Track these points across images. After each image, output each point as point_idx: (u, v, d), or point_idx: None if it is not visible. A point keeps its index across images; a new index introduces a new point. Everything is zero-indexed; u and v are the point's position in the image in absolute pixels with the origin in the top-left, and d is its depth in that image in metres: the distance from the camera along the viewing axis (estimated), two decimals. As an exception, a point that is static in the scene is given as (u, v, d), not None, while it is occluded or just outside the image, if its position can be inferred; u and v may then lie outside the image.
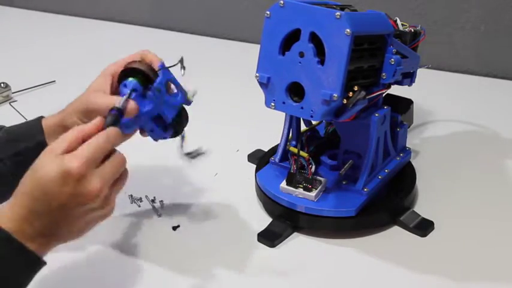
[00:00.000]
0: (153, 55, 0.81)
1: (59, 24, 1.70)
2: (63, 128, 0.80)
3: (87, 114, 0.79)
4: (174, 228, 0.89)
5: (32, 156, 0.77)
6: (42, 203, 0.65)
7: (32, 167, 0.67)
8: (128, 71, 0.80)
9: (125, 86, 0.77)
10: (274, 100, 0.79)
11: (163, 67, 0.80)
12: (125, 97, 0.75)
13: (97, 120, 0.70)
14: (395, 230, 0.87)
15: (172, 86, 0.80)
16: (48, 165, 0.65)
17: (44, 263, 0.66)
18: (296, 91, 0.77)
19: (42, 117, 0.84)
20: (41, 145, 0.80)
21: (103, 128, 0.70)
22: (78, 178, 0.64)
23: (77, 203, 0.65)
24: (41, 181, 0.65)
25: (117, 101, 0.74)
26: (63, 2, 1.76)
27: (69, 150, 0.66)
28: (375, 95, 0.83)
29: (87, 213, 0.67)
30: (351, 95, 0.76)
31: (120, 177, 0.70)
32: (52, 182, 0.64)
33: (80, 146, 0.66)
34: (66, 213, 0.66)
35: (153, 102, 0.77)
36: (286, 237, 0.86)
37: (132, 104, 0.74)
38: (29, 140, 0.81)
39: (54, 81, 1.34)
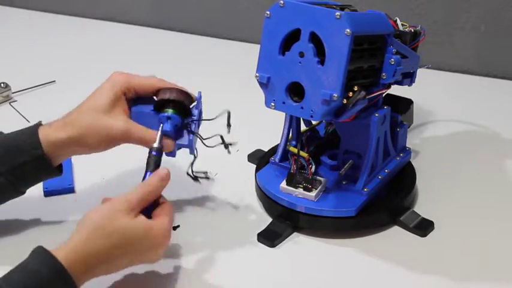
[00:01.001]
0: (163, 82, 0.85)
1: (59, 24, 1.69)
2: (77, 144, 0.81)
3: (108, 139, 0.82)
4: (174, 228, 0.89)
5: (31, 168, 0.79)
6: (118, 256, 0.72)
7: (110, 218, 0.72)
8: (163, 102, 0.81)
9: (167, 119, 0.81)
10: (274, 100, 0.79)
11: (200, 98, 0.86)
12: (160, 133, 0.81)
13: (154, 180, 0.78)
14: (395, 230, 0.87)
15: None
16: (134, 226, 0.72)
17: None
18: (296, 91, 0.77)
19: (39, 124, 0.83)
20: (40, 159, 0.80)
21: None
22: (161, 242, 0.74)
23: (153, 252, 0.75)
24: (126, 237, 0.72)
25: (156, 140, 0.80)
26: (63, 2, 1.76)
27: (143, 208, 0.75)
28: (374, 95, 0.83)
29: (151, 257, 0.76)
30: (351, 95, 0.76)
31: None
32: (138, 239, 0.72)
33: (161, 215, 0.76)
34: (126, 262, 0.74)
35: (189, 135, 0.84)
36: (286, 237, 0.86)
37: (168, 143, 0.82)
38: (27, 155, 0.80)
39: (54, 81, 1.34)
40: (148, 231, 0.73)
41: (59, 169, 0.84)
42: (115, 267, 0.73)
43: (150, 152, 0.80)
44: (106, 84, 0.83)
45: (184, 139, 0.83)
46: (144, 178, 0.78)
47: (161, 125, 0.81)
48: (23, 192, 0.84)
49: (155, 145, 0.80)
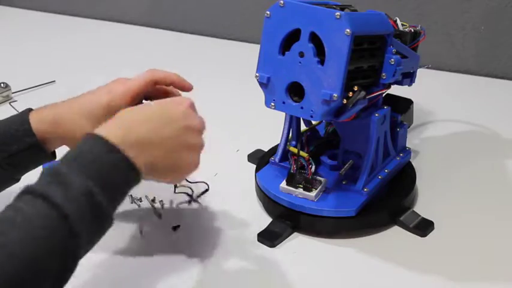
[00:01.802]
0: (166, 73, 0.85)
1: (59, 24, 1.70)
2: (65, 141, 0.81)
3: (95, 115, 0.80)
4: (174, 228, 0.89)
5: (25, 155, 0.78)
6: (153, 115, 0.70)
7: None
8: None
9: None
10: (274, 100, 0.79)
11: None
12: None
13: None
14: (395, 230, 0.87)
15: None
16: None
17: (141, 176, 0.66)
18: (296, 91, 0.77)
19: (30, 110, 0.82)
20: (34, 146, 0.80)
21: None
22: (190, 105, 0.73)
23: (185, 122, 0.72)
24: (164, 114, 0.71)
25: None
26: (63, 2, 1.76)
27: None
28: (374, 95, 0.83)
29: (187, 138, 0.72)
30: (350, 95, 0.76)
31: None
32: (167, 104, 0.73)
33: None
34: (171, 130, 0.70)
35: None
36: (286, 237, 0.86)
37: None
38: (20, 142, 0.80)
39: (54, 81, 1.34)
40: (171, 100, 0.74)
41: (53, 154, 0.84)
42: (164, 147, 0.69)
43: None
44: (103, 91, 0.83)
45: None
46: None
47: None
48: (18, 180, 0.83)
49: None
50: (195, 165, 0.74)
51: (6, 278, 0.54)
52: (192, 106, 0.74)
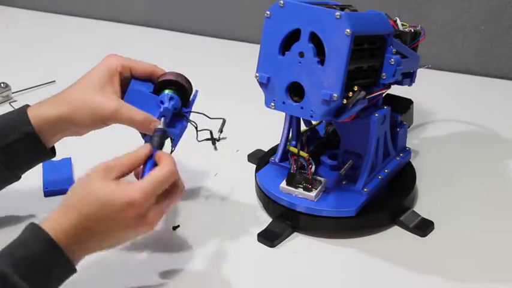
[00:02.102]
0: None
1: (59, 24, 1.69)
2: (66, 121, 0.81)
3: (97, 118, 0.81)
4: (174, 228, 0.89)
5: (22, 146, 0.78)
6: (95, 220, 0.69)
7: (85, 183, 0.70)
8: (165, 83, 0.81)
9: (169, 98, 0.81)
10: (274, 100, 0.79)
11: (195, 96, 0.85)
12: (164, 118, 0.80)
13: (146, 148, 0.75)
14: (395, 230, 0.87)
15: None
16: (110, 191, 0.69)
17: (75, 272, 0.69)
18: (296, 91, 0.77)
19: (27, 106, 0.83)
20: (31, 136, 0.80)
21: (151, 151, 0.75)
22: (139, 212, 0.70)
23: (130, 228, 0.70)
24: (100, 202, 0.69)
25: (160, 121, 0.79)
26: (63, 2, 1.75)
27: (123, 175, 0.71)
28: (374, 95, 0.83)
29: (131, 236, 0.73)
30: (350, 95, 0.76)
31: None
32: (114, 207, 0.69)
33: (141, 179, 0.71)
34: (115, 234, 0.71)
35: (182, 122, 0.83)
36: (286, 237, 0.86)
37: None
38: (17, 132, 0.80)
39: (54, 81, 1.34)
40: (120, 193, 0.69)
41: (52, 151, 0.84)
42: (104, 237, 0.70)
43: (154, 132, 0.78)
44: (100, 65, 0.84)
45: (175, 129, 0.83)
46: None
47: (162, 105, 0.81)
48: (18, 177, 0.84)
49: (161, 126, 0.79)
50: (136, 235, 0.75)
51: None
52: (142, 207, 0.70)
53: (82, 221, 0.68)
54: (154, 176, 0.71)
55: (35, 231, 0.67)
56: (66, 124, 0.81)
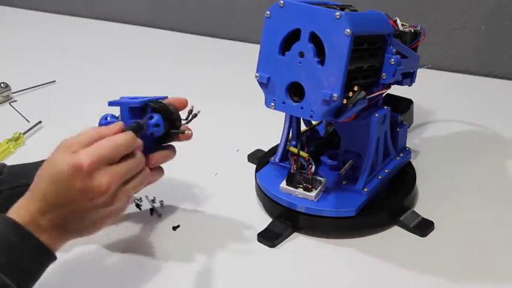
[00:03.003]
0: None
1: (59, 24, 1.69)
2: None
3: None
4: (174, 228, 0.89)
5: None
6: (54, 195, 0.67)
7: (47, 160, 0.69)
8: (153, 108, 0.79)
9: (154, 126, 0.77)
10: (274, 100, 0.79)
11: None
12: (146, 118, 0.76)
13: (117, 124, 0.72)
14: (395, 230, 0.87)
15: None
16: (61, 159, 0.67)
17: (54, 257, 0.68)
18: (296, 91, 0.77)
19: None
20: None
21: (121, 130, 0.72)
22: (87, 173, 0.66)
23: (86, 197, 0.67)
24: (52, 174, 0.67)
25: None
26: (63, 2, 1.75)
27: (84, 147, 0.68)
28: (374, 95, 0.83)
29: (96, 208, 0.69)
30: (350, 95, 0.76)
31: (134, 177, 0.72)
32: (63, 175, 0.67)
33: (94, 143, 0.68)
34: (76, 207, 0.68)
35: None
36: (286, 237, 0.86)
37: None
38: (30, 178, 0.80)
39: (54, 81, 1.34)
40: (66, 159, 0.67)
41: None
42: (70, 212, 0.68)
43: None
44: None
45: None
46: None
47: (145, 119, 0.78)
48: None
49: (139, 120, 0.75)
50: (115, 217, 0.73)
51: None
52: (89, 172, 0.67)
53: (43, 197, 0.67)
54: (102, 141, 0.69)
55: (6, 222, 0.66)
56: None
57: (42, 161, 0.81)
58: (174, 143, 0.81)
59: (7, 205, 0.79)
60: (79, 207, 0.68)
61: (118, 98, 0.80)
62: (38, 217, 0.67)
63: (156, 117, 0.77)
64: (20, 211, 0.67)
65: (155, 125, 0.76)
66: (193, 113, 0.81)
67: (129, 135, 0.71)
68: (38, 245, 0.66)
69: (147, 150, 0.78)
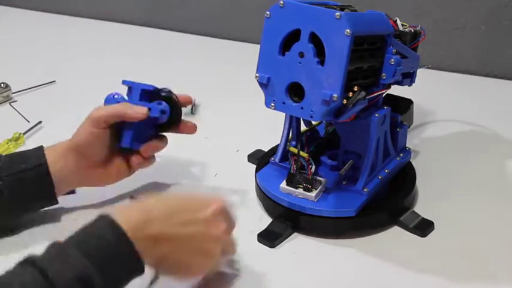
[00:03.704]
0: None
1: (59, 24, 1.70)
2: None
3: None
4: None
5: (31, 174, 0.79)
6: (175, 208, 0.70)
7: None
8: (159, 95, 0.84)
9: (161, 112, 0.83)
10: (274, 100, 0.79)
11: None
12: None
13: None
14: (395, 230, 0.87)
15: None
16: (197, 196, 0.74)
17: (143, 268, 0.66)
18: (296, 91, 0.77)
19: (42, 146, 0.86)
20: (41, 166, 0.82)
21: None
22: (218, 213, 0.72)
23: (203, 227, 0.71)
24: (183, 199, 0.72)
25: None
26: (63, 2, 1.76)
27: None
28: (374, 95, 0.83)
29: (201, 245, 0.71)
30: (350, 95, 0.76)
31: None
32: (195, 200, 0.72)
33: None
34: (187, 231, 0.70)
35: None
36: (286, 238, 0.86)
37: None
38: (29, 162, 0.82)
39: (54, 81, 1.34)
40: (200, 200, 0.73)
41: (55, 198, 0.86)
42: (170, 236, 0.68)
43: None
44: (85, 123, 0.86)
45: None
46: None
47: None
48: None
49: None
50: (204, 269, 0.74)
51: None
52: (221, 211, 0.73)
53: (149, 212, 0.68)
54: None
55: (107, 222, 0.65)
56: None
57: (40, 147, 0.83)
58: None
59: (9, 192, 0.80)
60: (191, 230, 0.70)
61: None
62: (144, 225, 0.66)
63: (164, 104, 0.79)
64: (129, 214, 0.67)
65: (162, 111, 0.79)
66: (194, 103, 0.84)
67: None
68: (137, 260, 0.65)
69: (145, 136, 0.79)
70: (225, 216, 0.74)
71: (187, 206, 0.71)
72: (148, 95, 0.82)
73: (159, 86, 0.86)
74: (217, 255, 0.73)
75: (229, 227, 0.74)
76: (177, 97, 0.85)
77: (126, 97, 0.84)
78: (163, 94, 0.83)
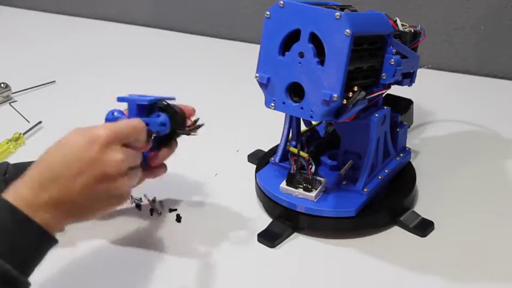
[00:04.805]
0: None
1: (59, 24, 1.70)
2: None
3: None
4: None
5: None
6: (61, 165, 0.65)
7: (59, 139, 0.68)
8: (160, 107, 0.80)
9: (161, 124, 0.78)
10: (274, 100, 0.79)
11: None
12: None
13: (140, 122, 0.73)
14: (395, 230, 0.87)
15: None
16: (76, 135, 0.67)
17: (55, 240, 0.66)
18: (296, 91, 0.77)
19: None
20: None
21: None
22: (104, 144, 0.66)
23: (97, 168, 0.66)
24: (64, 146, 0.66)
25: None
26: (63, 2, 1.76)
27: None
28: (374, 95, 0.83)
29: (104, 183, 0.67)
30: (350, 95, 0.76)
31: (136, 167, 0.72)
32: (75, 146, 0.66)
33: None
34: (82, 183, 0.66)
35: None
36: (286, 238, 0.86)
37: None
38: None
39: (54, 81, 1.34)
40: (84, 133, 0.66)
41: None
42: (73, 189, 0.65)
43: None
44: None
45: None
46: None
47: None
48: None
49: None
50: (114, 206, 0.71)
51: None
52: (110, 140, 0.67)
53: (47, 167, 0.65)
54: (119, 121, 0.71)
55: (4, 208, 0.63)
56: None
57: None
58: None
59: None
60: (84, 183, 0.66)
61: (127, 95, 0.80)
62: (39, 192, 0.64)
63: (163, 116, 0.77)
64: (20, 188, 0.65)
65: (161, 124, 0.77)
66: (197, 124, 0.82)
67: (141, 122, 0.72)
68: (36, 229, 0.64)
69: (151, 149, 0.78)
70: (120, 139, 0.68)
71: (71, 156, 0.66)
72: (145, 109, 0.80)
73: (158, 95, 0.83)
74: (122, 189, 0.69)
75: (127, 153, 0.68)
76: (174, 106, 0.82)
77: (125, 113, 0.82)
78: (160, 105, 0.80)
